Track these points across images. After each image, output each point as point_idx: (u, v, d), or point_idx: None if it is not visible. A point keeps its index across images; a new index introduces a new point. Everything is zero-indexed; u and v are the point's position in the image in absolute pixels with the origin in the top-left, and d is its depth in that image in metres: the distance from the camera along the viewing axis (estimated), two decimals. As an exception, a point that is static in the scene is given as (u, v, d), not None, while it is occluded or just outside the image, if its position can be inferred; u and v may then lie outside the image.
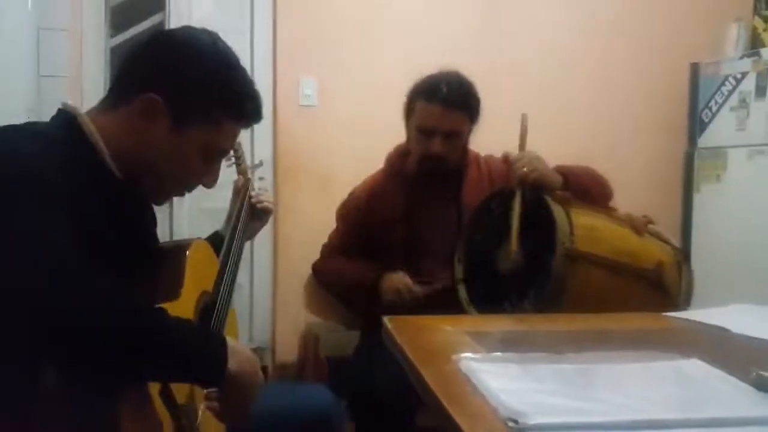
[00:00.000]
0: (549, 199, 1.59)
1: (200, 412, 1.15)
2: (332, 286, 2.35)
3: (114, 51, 2.90)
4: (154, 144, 1.09)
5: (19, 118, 2.38)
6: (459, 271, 1.76)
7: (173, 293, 1.13)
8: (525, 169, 1.65)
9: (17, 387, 0.90)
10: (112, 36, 2.89)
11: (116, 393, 0.93)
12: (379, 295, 1.98)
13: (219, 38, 1.16)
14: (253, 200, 1.61)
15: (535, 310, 1.50)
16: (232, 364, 0.99)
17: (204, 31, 1.16)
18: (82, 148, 1.06)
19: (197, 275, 1.25)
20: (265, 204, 1.64)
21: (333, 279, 2.29)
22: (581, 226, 1.55)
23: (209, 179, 1.19)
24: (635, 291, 1.58)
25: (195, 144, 1.11)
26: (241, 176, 1.63)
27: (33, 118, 2.51)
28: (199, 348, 0.97)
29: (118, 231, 1.03)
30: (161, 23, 2.90)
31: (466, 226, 1.81)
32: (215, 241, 1.50)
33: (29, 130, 1.03)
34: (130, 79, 1.12)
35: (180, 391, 1.07)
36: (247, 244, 1.65)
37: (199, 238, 1.40)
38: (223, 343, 1.00)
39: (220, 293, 1.31)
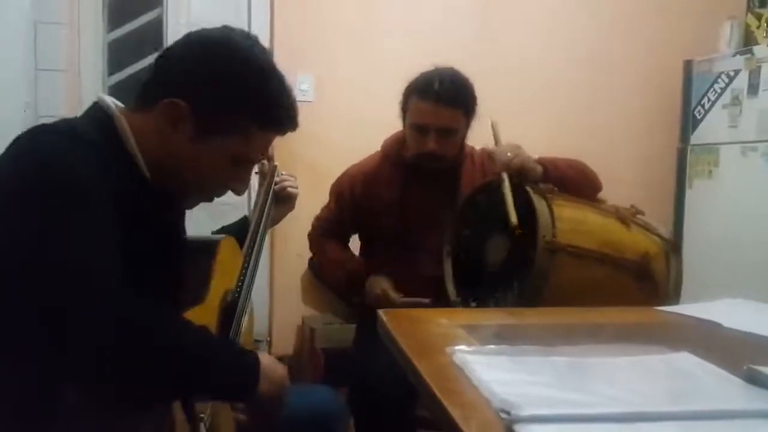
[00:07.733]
0: (530, 191, 1.59)
1: (208, 418, 1.15)
2: (322, 270, 2.36)
3: (111, 45, 2.90)
4: (176, 150, 1.06)
5: (16, 111, 2.40)
6: (448, 266, 1.77)
7: (199, 297, 1.14)
8: (508, 154, 1.68)
9: (37, 405, 0.89)
10: (109, 30, 2.89)
11: (141, 407, 0.93)
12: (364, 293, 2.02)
13: (257, 42, 1.11)
14: (276, 187, 1.57)
15: (518, 303, 1.50)
16: (263, 384, 0.99)
17: (243, 34, 1.11)
18: (118, 151, 1.03)
19: (223, 274, 1.26)
20: (289, 190, 1.60)
21: (325, 265, 2.29)
22: (563, 218, 1.54)
23: (238, 187, 1.16)
24: (620, 282, 1.57)
25: (220, 153, 1.07)
26: (265, 162, 1.56)
27: (30, 112, 2.53)
28: (233, 368, 0.97)
29: (151, 234, 1.02)
30: (158, 18, 2.90)
31: (453, 221, 1.81)
32: (243, 224, 1.49)
33: (67, 132, 0.99)
34: (159, 80, 1.08)
35: None
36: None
37: (227, 236, 1.36)
38: (256, 363, 1.00)
39: (243, 287, 1.31)
